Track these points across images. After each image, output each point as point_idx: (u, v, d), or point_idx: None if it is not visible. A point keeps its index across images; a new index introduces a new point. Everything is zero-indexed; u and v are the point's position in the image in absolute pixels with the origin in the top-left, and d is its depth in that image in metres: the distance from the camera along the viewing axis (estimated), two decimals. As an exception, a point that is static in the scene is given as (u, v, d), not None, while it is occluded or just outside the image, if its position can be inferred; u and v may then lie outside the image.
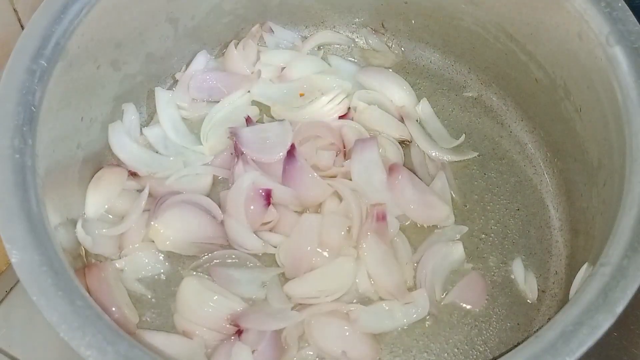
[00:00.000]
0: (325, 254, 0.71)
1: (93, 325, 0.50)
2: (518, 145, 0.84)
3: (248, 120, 0.80)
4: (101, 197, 0.74)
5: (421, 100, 0.85)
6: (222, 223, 0.73)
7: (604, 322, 0.50)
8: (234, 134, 0.77)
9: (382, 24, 0.91)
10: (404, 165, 0.79)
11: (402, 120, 0.83)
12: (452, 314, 0.71)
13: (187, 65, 0.86)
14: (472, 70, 0.89)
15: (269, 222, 0.74)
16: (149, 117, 0.84)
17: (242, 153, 0.76)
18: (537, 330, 0.62)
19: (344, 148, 0.80)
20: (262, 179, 0.74)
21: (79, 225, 0.70)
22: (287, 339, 0.68)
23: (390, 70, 0.89)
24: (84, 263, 0.71)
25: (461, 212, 0.78)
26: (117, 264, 0.71)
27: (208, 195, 0.76)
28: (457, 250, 0.74)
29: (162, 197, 0.74)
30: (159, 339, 0.66)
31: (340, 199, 0.75)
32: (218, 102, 0.83)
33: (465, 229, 0.76)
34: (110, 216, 0.74)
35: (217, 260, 0.72)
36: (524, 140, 0.84)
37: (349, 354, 0.66)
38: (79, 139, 0.72)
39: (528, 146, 0.83)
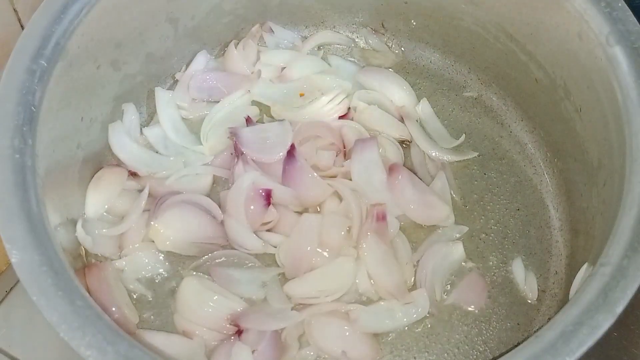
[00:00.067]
0: (325, 254, 0.71)
1: (93, 325, 0.50)
2: (518, 145, 0.84)
3: (248, 120, 0.80)
4: (101, 197, 0.74)
5: (421, 100, 0.85)
6: (222, 223, 0.73)
7: (604, 322, 0.50)
8: (234, 134, 0.77)
9: (382, 24, 0.91)
10: (404, 165, 0.79)
11: (402, 120, 0.83)
12: (452, 314, 0.71)
13: (187, 65, 0.86)
14: (472, 70, 0.89)
15: (269, 222, 0.74)
16: (149, 117, 0.84)
17: (242, 153, 0.76)
18: (537, 330, 0.62)
19: (344, 148, 0.80)
20: (262, 179, 0.74)
21: (79, 225, 0.70)
22: (287, 339, 0.68)
23: (390, 70, 0.89)
24: (84, 263, 0.71)
25: (461, 212, 0.78)
26: (117, 264, 0.71)
27: (208, 195, 0.76)
28: (457, 250, 0.74)
29: (162, 197, 0.74)
30: (159, 339, 0.66)
31: (340, 199, 0.75)
32: (218, 102, 0.83)
33: (465, 228, 0.76)
34: (110, 216, 0.74)
35: (217, 260, 0.72)
36: (524, 140, 0.84)
37: (349, 354, 0.66)
38: (79, 139, 0.72)
39: (528, 146, 0.83)
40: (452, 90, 0.88)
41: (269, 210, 0.73)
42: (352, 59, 0.91)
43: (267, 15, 0.90)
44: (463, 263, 0.74)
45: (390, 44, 0.92)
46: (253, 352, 0.64)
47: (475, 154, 0.82)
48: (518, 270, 0.74)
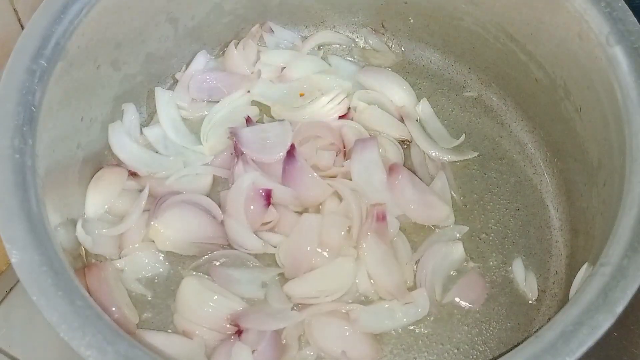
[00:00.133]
0: (325, 254, 0.71)
1: (93, 325, 0.50)
2: (518, 145, 0.84)
3: (248, 120, 0.80)
4: (101, 197, 0.74)
5: (421, 100, 0.85)
6: (222, 223, 0.73)
7: (604, 322, 0.50)
8: (234, 134, 0.77)
9: (382, 24, 0.91)
10: (404, 165, 0.79)
11: (402, 120, 0.83)
12: (452, 314, 0.71)
13: (187, 65, 0.87)
14: (472, 70, 0.89)
15: (269, 222, 0.74)
16: (149, 117, 0.84)
17: (242, 153, 0.76)
18: (537, 330, 0.62)
19: (344, 148, 0.80)
20: (262, 179, 0.74)
21: (79, 225, 0.70)
22: (287, 339, 0.68)
23: (390, 70, 0.89)
24: (84, 263, 0.71)
25: (461, 212, 0.78)
26: (117, 264, 0.71)
27: (208, 195, 0.76)
28: (457, 250, 0.74)
29: (162, 197, 0.74)
30: (159, 339, 0.66)
31: (340, 199, 0.75)
32: (218, 102, 0.83)
33: (465, 228, 0.76)
34: (110, 216, 0.74)
35: (217, 261, 0.72)
36: (524, 140, 0.84)
37: (349, 354, 0.66)
38: (79, 139, 0.72)
39: (528, 146, 0.83)
40: (452, 90, 0.88)
41: (269, 210, 0.73)
42: (352, 59, 0.91)
43: (267, 15, 0.90)
44: (463, 263, 0.74)
45: (390, 44, 0.92)
46: (253, 352, 0.64)
47: (475, 154, 0.82)
48: (518, 270, 0.74)
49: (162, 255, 0.73)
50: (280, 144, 0.77)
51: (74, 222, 0.70)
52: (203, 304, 0.68)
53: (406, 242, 0.74)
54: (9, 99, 0.60)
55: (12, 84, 0.60)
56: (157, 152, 0.80)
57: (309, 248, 0.71)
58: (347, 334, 0.68)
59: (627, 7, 0.66)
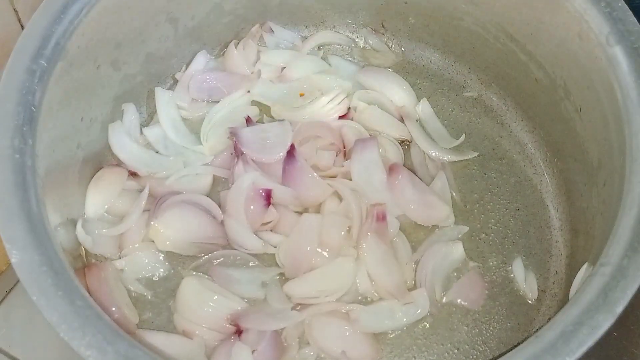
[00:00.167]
0: (325, 254, 0.71)
1: (93, 325, 0.50)
2: (518, 145, 0.84)
3: (248, 120, 0.80)
4: (101, 197, 0.74)
5: (421, 100, 0.85)
6: (222, 223, 0.73)
7: (604, 322, 0.50)
8: (234, 134, 0.77)
9: (382, 24, 0.91)
10: (404, 165, 0.79)
11: (402, 120, 0.83)
12: (452, 314, 0.71)
13: (187, 65, 0.87)
14: (472, 70, 0.89)
15: (269, 222, 0.74)
16: (149, 117, 0.84)
17: (242, 153, 0.76)
18: (537, 330, 0.62)
19: (344, 148, 0.80)
20: (262, 179, 0.74)
21: (79, 225, 0.70)
22: (287, 339, 0.68)
23: (390, 70, 0.89)
24: (84, 263, 0.71)
25: (461, 212, 0.78)
26: (117, 264, 0.71)
27: (208, 195, 0.76)
28: (457, 250, 0.74)
29: (162, 197, 0.74)
30: (159, 339, 0.66)
31: (340, 199, 0.75)
32: (218, 102, 0.83)
33: (465, 228, 0.76)
34: (110, 216, 0.74)
35: (217, 260, 0.72)
36: (524, 140, 0.84)
37: (349, 354, 0.66)
38: (79, 139, 0.72)
39: (528, 146, 0.83)
40: (452, 90, 0.88)
41: (269, 210, 0.73)
42: (352, 59, 0.91)
43: (267, 15, 0.90)
44: (463, 263, 0.74)
45: (390, 44, 0.92)
46: (253, 352, 0.64)
47: (475, 154, 0.82)
48: (518, 270, 0.74)
49: (162, 255, 0.73)
50: (280, 144, 0.77)
51: (74, 222, 0.70)
52: (203, 304, 0.68)
53: (406, 242, 0.74)
54: (9, 99, 0.60)
55: (12, 84, 0.60)
56: (157, 152, 0.80)
57: (309, 248, 0.71)
58: (347, 334, 0.68)
59: (627, 7, 0.66)
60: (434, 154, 0.81)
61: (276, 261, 0.73)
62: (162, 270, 0.73)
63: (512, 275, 0.74)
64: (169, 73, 0.86)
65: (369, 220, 0.72)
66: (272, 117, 0.84)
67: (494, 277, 0.74)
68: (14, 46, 0.62)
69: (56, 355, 0.74)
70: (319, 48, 0.91)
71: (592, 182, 0.70)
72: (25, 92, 0.60)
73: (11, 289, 0.79)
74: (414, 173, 0.78)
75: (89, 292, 0.55)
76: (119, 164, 0.78)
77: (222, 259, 0.73)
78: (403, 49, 0.91)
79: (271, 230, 0.74)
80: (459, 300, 0.72)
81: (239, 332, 0.67)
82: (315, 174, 0.74)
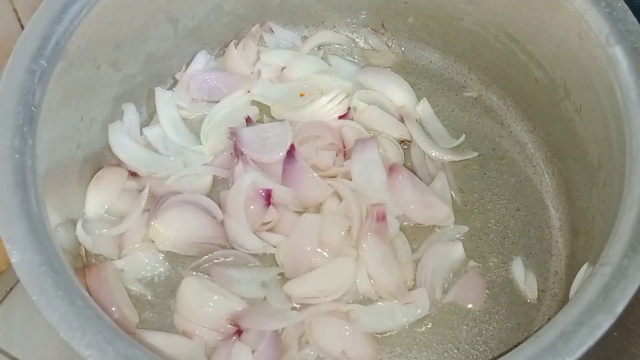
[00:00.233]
0: (325, 254, 0.71)
1: (93, 325, 0.50)
2: (518, 145, 0.84)
3: (248, 120, 0.80)
4: (101, 197, 0.74)
5: (421, 100, 0.85)
6: (222, 223, 0.73)
7: (604, 322, 0.50)
8: (234, 134, 0.77)
9: (382, 24, 0.91)
10: (404, 165, 0.79)
11: (402, 120, 0.83)
12: (452, 314, 0.71)
13: (187, 65, 0.86)
14: (472, 70, 0.89)
15: (269, 222, 0.74)
16: (149, 117, 0.84)
17: (242, 153, 0.76)
18: (537, 330, 0.62)
19: (344, 148, 0.80)
20: (262, 179, 0.74)
21: (79, 225, 0.70)
22: (287, 339, 0.68)
23: (390, 70, 0.89)
24: (84, 263, 0.71)
25: (461, 212, 0.78)
26: (117, 264, 0.71)
27: (208, 195, 0.76)
28: (457, 250, 0.74)
29: (162, 197, 0.74)
30: (159, 339, 0.66)
31: (340, 199, 0.75)
32: (218, 102, 0.83)
33: (465, 228, 0.76)
34: (110, 216, 0.74)
35: (217, 260, 0.72)
36: (524, 140, 0.84)
37: (349, 354, 0.66)
38: (79, 139, 0.72)
39: (528, 146, 0.83)
40: (452, 90, 0.88)
41: (269, 210, 0.73)
42: (352, 59, 0.91)
43: (267, 15, 0.90)
44: (463, 263, 0.74)
45: (390, 44, 0.92)
46: (253, 352, 0.64)
47: (475, 154, 0.82)
48: (518, 270, 0.74)
49: (162, 255, 0.73)
50: (280, 144, 0.77)
51: (74, 222, 0.70)
52: (203, 304, 0.68)
53: (406, 242, 0.74)
54: (9, 99, 0.60)
55: (12, 84, 0.60)
56: (157, 152, 0.80)
57: (309, 248, 0.71)
58: (347, 334, 0.68)
59: (627, 7, 0.66)
60: (434, 154, 0.81)
61: (276, 261, 0.73)
62: (162, 270, 0.73)
63: (512, 275, 0.74)
64: (169, 73, 0.86)
65: (369, 220, 0.72)
66: (272, 117, 0.84)
67: (494, 277, 0.74)
68: (14, 46, 0.62)
69: (56, 355, 0.74)
70: (319, 48, 0.91)
71: (592, 182, 0.70)
72: (25, 92, 0.60)
73: (11, 289, 0.79)
74: (414, 173, 0.78)
75: (89, 292, 0.55)
76: (119, 164, 0.78)
77: (222, 259, 0.73)
78: (403, 49, 0.91)
79: (271, 230, 0.74)
80: (459, 300, 0.72)
81: (239, 332, 0.67)
82: (315, 174, 0.74)
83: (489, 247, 0.76)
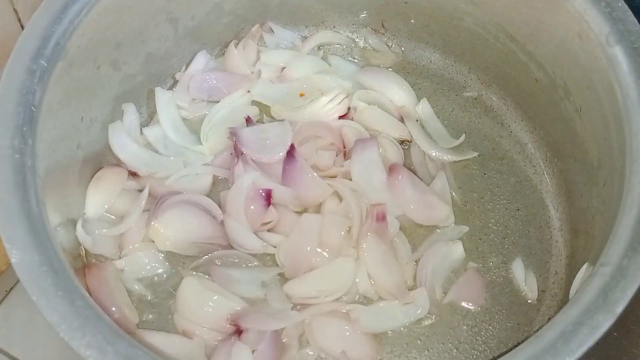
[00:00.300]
0: (325, 254, 0.71)
1: (93, 325, 0.50)
2: (518, 145, 0.84)
3: (248, 120, 0.80)
4: (101, 197, 0.74)
5: (421, 100, 0.85)
6: (222, 223, 0.73)
7: (604, 322, 0.50)
8: (234, 134, 0.77)
9: (382, 24, 0.91)
10: (404, 165, 0.79)
11: (402, 120, 0.83)
12: (452, 314, 0.71)
13: (187, 65, 0.87)
14: (472, 70, 0.89)
15: (269, 222, 0.74)
16: (149, 117, 0.84)
17: (242, 153, 0.76)
18: (537, 330, 0.62)
19: (344, 148, 0.80)
20: (262, 179, 0.74)
21: (79, 225, 0.70)
22: (287, 339, 0.68)
23: (390, 70, 0.89)
24: (84, 263, 0.71)
25: (461, 212, 0.78)
26: (117, 264, 0.71)
27: (208, 195, 0.76)
28: (457, 250, 0.74)
29: (162, 197, 0.74)
30: (159, 339, 0.66)
31: (340, 199, 0.75)
32: (218, 102, 0.83)
33: (465, 228, 0.76)
34: (110, 216, 0.74)
35: (217, 260, 0.72)
36: (524, 140, 0.84)
37: (349, 354, 0.66)
38: (79, 139, 0.72)
39: (528, 146, 0.83)
40: (452, 90, 0.88)
41: (269, 210, 0.73)
42: (352, 59, 0.91)
43: (267, 15, 0.90)
44: (463, 263, 0.74)
45: (390, 44, 0.92)
46: (253, 352, 0.64)
47: (475, 154, 0.82)
48: (518, 270, 0.74)
49: (162, 255, 0.73)
50: (280, 144, 0.77)
51: (74, 222, 0.70)
52: (203, 304, 0.68)
53: (406, 242, 0.74)
54: (9, 99, 0.60)
55: (12, 84, 0.60)
56: (157, 152, 0.80)
57: (309, 248, 0.71)
58: (347, 334, 0.68)
59: (627, 7, 0.66)
60: (434, 154, 0.81)
61: (276, 261, 0.73)
62: (162, 270, 0.73)
63: (512, 275, 0.74)
64: (169, 73, 0.86)
65: (369, 220, 0.72)
66: (272, 117, 0.84)
67: (494, 277, 0.74)
68: (14, 46, 0.62)
69: (56, 355, 0.74)
70: (319, 48, 0.91)
71: (592, 182, 0.70)
72: (25, 92, 0.60)
73: (11, 289, 0.79)
74: (414, 173, 0.78)
75: (89, 292, 0.55)
76: (119, 164, 0.78)
77: (222, 259, 0.73)
78: (403, 49, 0.91)
79: (271, 230, 0.74)
80: (459, 300, 0.72)
81: (239, 332, 0.67)
82: (315, 174, 0.74)
83: (489, 247, 0.76)
